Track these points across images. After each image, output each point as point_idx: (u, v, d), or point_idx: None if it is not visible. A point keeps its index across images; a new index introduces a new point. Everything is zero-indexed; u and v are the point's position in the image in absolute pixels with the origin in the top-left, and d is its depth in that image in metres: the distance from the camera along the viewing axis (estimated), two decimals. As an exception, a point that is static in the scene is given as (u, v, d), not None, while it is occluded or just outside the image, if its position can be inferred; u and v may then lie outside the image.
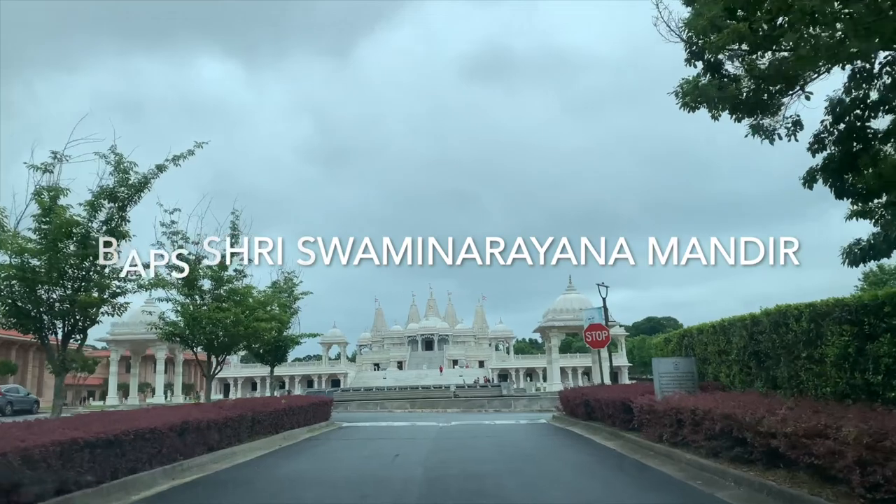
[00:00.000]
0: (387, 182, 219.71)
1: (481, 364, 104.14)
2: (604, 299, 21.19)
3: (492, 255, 11.70)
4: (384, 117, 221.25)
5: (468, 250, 11.65)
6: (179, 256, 14.53)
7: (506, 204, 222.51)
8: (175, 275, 14.89)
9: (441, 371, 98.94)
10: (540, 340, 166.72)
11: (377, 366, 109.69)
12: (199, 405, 14.05)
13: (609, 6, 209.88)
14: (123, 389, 45.03)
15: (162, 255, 14.20)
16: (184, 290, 15.46)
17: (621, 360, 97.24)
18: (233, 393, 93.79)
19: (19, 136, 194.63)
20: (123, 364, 50.39)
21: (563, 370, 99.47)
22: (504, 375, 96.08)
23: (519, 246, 11.87)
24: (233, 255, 16.20)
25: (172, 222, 15.23)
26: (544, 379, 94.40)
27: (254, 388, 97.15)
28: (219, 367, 17.30)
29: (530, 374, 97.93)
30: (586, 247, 12.11)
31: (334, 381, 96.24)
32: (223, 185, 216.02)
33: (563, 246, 11.93)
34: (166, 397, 41.58)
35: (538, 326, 40.48)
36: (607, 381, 40.50)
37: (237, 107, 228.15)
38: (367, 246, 11.48)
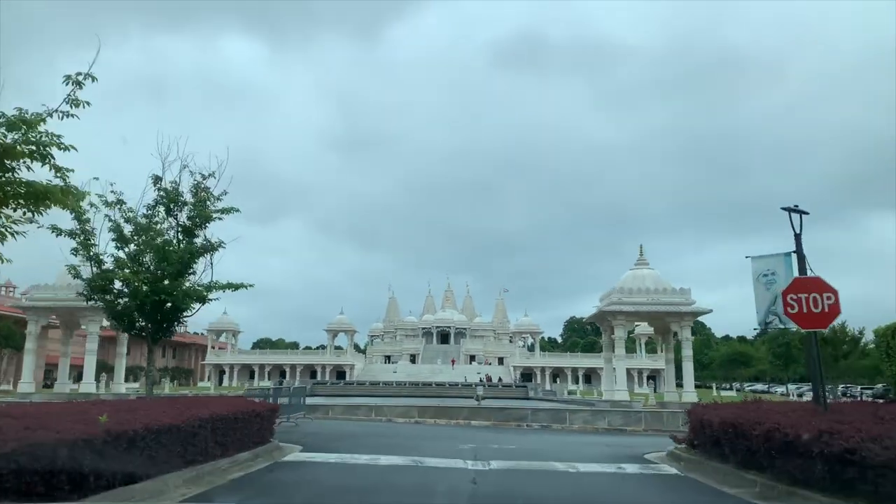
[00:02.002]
0: (409, 171, 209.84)
1: (501, 361, 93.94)
2: (797, 235, 10.83)
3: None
4: (410, 104, 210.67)
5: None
6: None
7: (528, 198, 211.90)
8: None
9: (453, 364, 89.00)
10: (560, 340, 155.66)
11: (388, 358, 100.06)
12: None
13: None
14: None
15: None
16: None
17: (662, 362, 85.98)
18: (226, 382, 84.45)
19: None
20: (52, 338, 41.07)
21: (591, 372, 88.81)
22: (528, 375, 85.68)
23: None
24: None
25: None
26: (575, 381, 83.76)
27: (251, 376, 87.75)
28: None
29: (557, 374, 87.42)
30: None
31: (339, 373, 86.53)
32: (244, 169, 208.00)
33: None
34: (98, 386, 31.74)
35: (597, 311, 30.09)
36: (692, 390, 30.20)
37: (260, 88, 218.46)
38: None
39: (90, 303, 12.79)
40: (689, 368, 28.18)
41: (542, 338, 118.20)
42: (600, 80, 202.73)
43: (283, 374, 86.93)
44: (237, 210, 12.31)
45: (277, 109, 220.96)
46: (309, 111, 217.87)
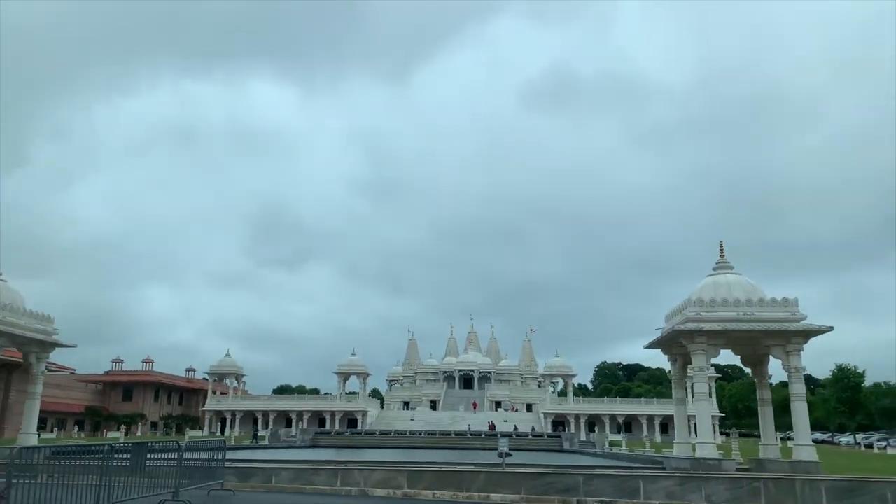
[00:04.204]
0: (438, 215, 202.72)
1: (529, 407, 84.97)
2: None
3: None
4: (439, 148, 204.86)
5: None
6: None
7: (558, 241, 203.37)
8: None
9: (475, 408, 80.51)
10: (591, 386, 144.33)
11: (406, 405, 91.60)
12: None
13: (682, 30, 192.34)
14: None
15: None
16: None
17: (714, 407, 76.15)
18: (227, 432, 76.44)
19: (74, 159, 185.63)
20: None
21: (632, 420, 79.12)
22: (560, 423, 76.53)
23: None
24: None
25: None
26: (615, 429, 74.10)
27: (255, 423, 79.70)
28: None
29: (593, 422, 78.02)
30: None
31: (351, 421, 78.15)
32: (273, 216, 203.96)
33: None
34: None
35: (665, 333, 22.01)
36: (807, 443, 21.81)
37: (289, 133, 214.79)
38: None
39: None
40: (801, 411, 19.80)
41: (573, 384, 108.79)
42: (633, 119, 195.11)
43: (288, 422, 78.86)
44: None
45: (306, 155, 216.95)
46: (338, 156, 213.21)
